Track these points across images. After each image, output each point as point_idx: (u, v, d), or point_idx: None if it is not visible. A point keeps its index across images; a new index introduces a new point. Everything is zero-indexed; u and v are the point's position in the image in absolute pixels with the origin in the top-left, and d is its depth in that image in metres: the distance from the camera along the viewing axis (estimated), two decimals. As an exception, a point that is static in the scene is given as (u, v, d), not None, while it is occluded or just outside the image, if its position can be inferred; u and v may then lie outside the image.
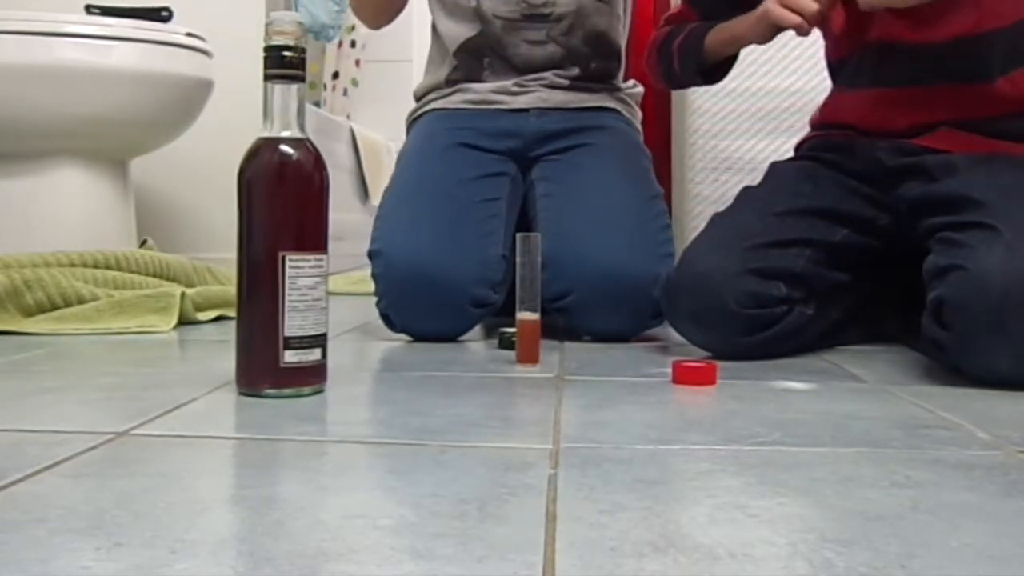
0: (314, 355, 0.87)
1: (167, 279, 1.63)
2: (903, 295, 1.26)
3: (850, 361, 1.12)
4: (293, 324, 0.85)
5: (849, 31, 1.25)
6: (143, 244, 2.00)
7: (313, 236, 0.87)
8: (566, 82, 1.42)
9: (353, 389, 0.92)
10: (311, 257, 0.86)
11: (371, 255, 1.31)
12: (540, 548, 0.47)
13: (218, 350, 1.18)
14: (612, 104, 1.46)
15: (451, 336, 1.29)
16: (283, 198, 0.86)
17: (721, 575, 0.43)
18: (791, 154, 1.37)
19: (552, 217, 1.33)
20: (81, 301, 1.42)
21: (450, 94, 1.45)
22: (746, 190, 1.29)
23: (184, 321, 1.43)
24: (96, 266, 1.54)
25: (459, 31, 1.43)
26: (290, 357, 0.85)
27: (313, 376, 0.87)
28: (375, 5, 1.49)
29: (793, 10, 1.14)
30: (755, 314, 1.11)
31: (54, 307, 1.40)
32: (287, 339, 0.85)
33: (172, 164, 2.28)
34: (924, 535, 0.49)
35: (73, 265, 1.51)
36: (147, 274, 1.60)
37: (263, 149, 0.87)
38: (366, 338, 1.32)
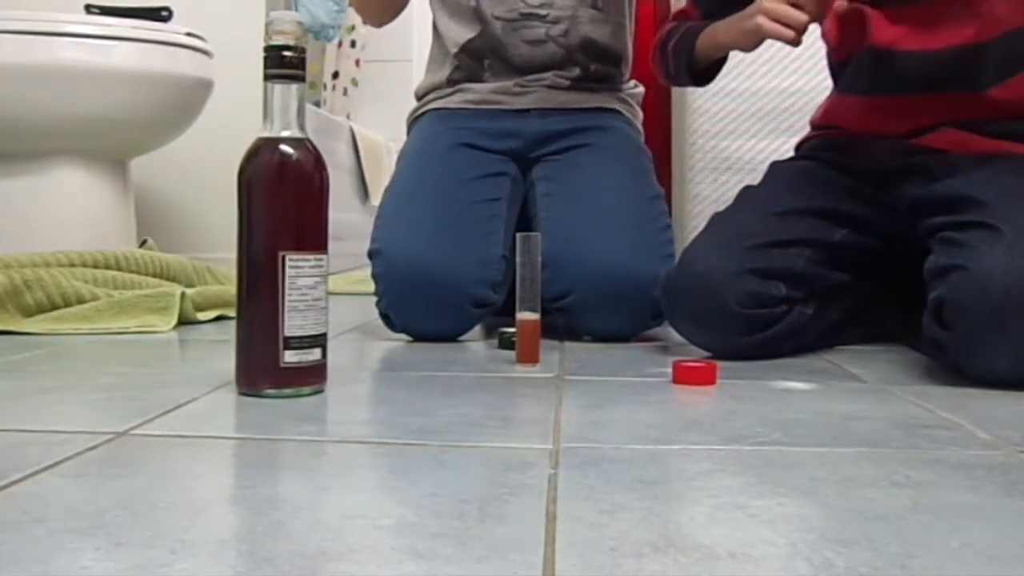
0: (314, 355, 0.87)
1: (167, 279, 1.63)
2: (903, 295, 1.26)
3: (850, 361, 1.12)
4: (293, 324, 0.85)
5: (846, 37, 1.25)
6: (143, 244, 2.00)
7: (313, 236, 0.87)
8: (567, 82, 1.42)
9: (353, 389, 0.92)
10: (311, 257, 0.86)
11: (371, 255, 1.31)
12: (540, 548, 0.47)
13: (218, 350, 1.18)
14: (613, 104, 1.46)
15: (451, 336, 1.29)
16: (283, 198, 0.86)
17: (721, 575, 0.43)
18: (791, 154, 1.37)
19: (552, 217, 1.33)
20: (81, 301, 1.42)
21: (451, 94, 1.45)
22: (746, 190, 1.29)
23: (184, 321, 1.43)
24: (96, 266, 1.54)
25: (460, 31, 1.43)
26: (290, 357, 0.85)
27: (313, 376, 0.87)
28: (378, 3, 1.49)
29: (783, 23, 1.13)
30: (755, 314, 1.11)
31: (54, 307, 1.40)
32: (287, 339, 0.85)
33: (172, 164, 2.28)
34: (924, 535, 0.49)
35: (73, 265, 1.51)
36: (147, 274, 1.60)
37: (263, 149, 0.87)
38: (366, 338, 1.32)
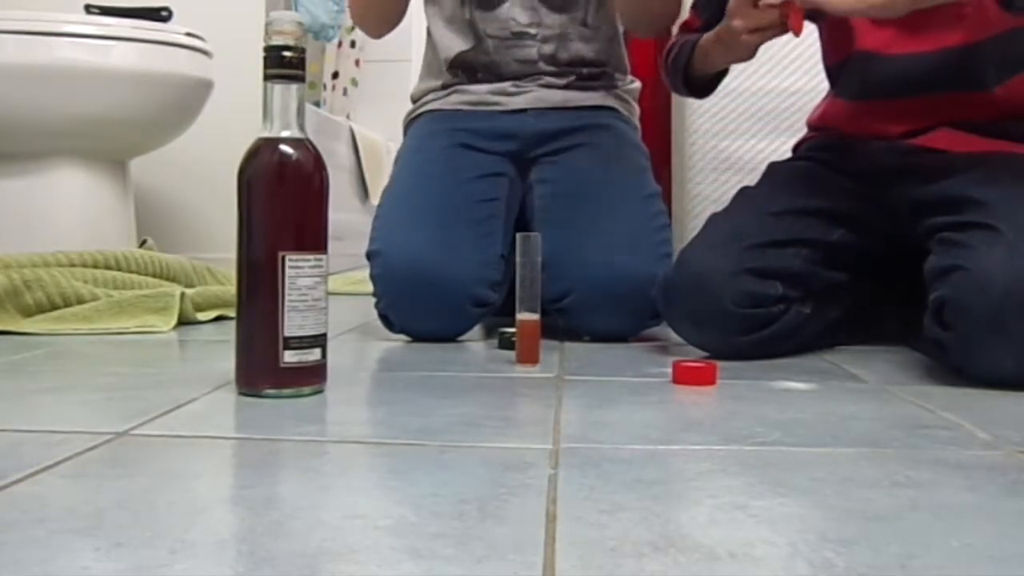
0: (314, 355, 0.87)
1: (167, 279, 1.63)
2: (903, 295, 1.26)
3: (850, 361, 1.12)
4: (293, 324, 0.85)
5: (836, 41, 1.25)
6: (143, 244, 2.00)
7: (313, 236, 0.87)
8: (562, 82, 1.42)
9: (353, 389, 0.92)
10: (311, 257, 0.86)
11: (369, 256, 1.31)
12: (540, 548, 0.47)
13: (218, 350, 1.18)
14: (610, 102, 1.46)
15: (450, 336, 1.29)
16: (283, 198, 0.86)
17: (721, 575, 0.43)
18: (790, 154, 1.37)
19: (551, 218, 1.33)
20: (81, 301, 1.42)
21: (447, 95, 1.45)
22: (743, 190, 1.29)
23: (184, 321, 1.43)
24: (96, 266, 1.54)
25: (455, 42, 1.43)
26: (290, 357, 0.85)
27: (313, 376, 0.87)
28: (377, 16, 1.48)
29: (760, 29, 1.14)
30: (752, 314, 1.11)
31: (54, 307, 1.40)
32: (287, 339, 0.85)
33: (172, 164, 2.28)
34: (924, 535, 0.49)
35: (73, 265, 1.51)
36: (147, 274, 1.60)
37: (263, 149, 0.87)
38: (366, 338, 1.32)
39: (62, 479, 0.59)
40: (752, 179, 1.35)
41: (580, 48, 1.41)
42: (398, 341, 1.29)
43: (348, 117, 3.41)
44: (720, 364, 0.99)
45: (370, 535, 0.48)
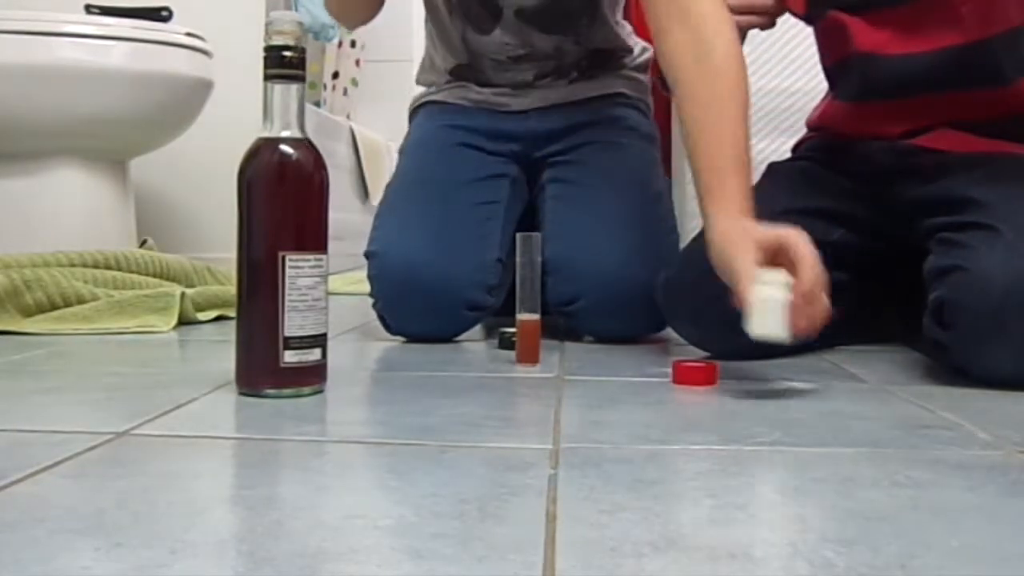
0: (314, 355, 0.87)
1: (167, 279, 1.63)
2: (903, 295, 1.26)
3: (850, 361, 1.12)
4: (293, 324, 0.85)
5: (832, 43, 1.25)
6: (143, 244, 2.00)
7: (313, 236, 0.87)
8: (564, 80, 1.42)
9: (353, 389, 0.92)
10: (311, 257, 0.86)
11: (367, 256, 1.31)
12: (540, 548, 0.47)
13: (218, 350, 1.18)
14: (617, 88, 1.43)
15: (445, 338, 1.28)
16: (283, 198, 0.86)
17: (721, 575, 0.43)
18: (790, 154, 1.37)
19: (559, 221, 1.32)
20: (81, 301, 1.42)
21: (452, 88, 1.44)
22: None
23: (184, 321, 1.43)
24: (96, 266, 1.54)
25: (449, 57, 1.42)
26: (290, 357, 0.85)
27: (313, 376, 0.87)
28: (351, 13, 1.44)
29: (750, 11, 1.14)
30: None
31: (54, 307, 1.40)
32: (287, 339, 0.85)
33: (172, 164, 2.28)
34: (924, 535, 0.49)
35: (73, 265, 1.51)
36: (147, 274, 1.60)
37: (263, 149, 0.87)
38: (366, 338, 1.32)
39: (62, 479, 0.59)
40: (752, 179, 1.35)
41: (577, 52, 1.40)
42: (398, 341, 1.29)
43: (348, 117, 3.41)
44: (720, 364, 0.99)
45: (370, 535, 0.48)
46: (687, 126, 1.03)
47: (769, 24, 1.19)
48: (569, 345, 1.26)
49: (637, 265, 1.25)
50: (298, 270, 0.85)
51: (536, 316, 1.09)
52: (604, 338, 1.29)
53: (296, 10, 2.96)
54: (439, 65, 1.45)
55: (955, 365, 0.98)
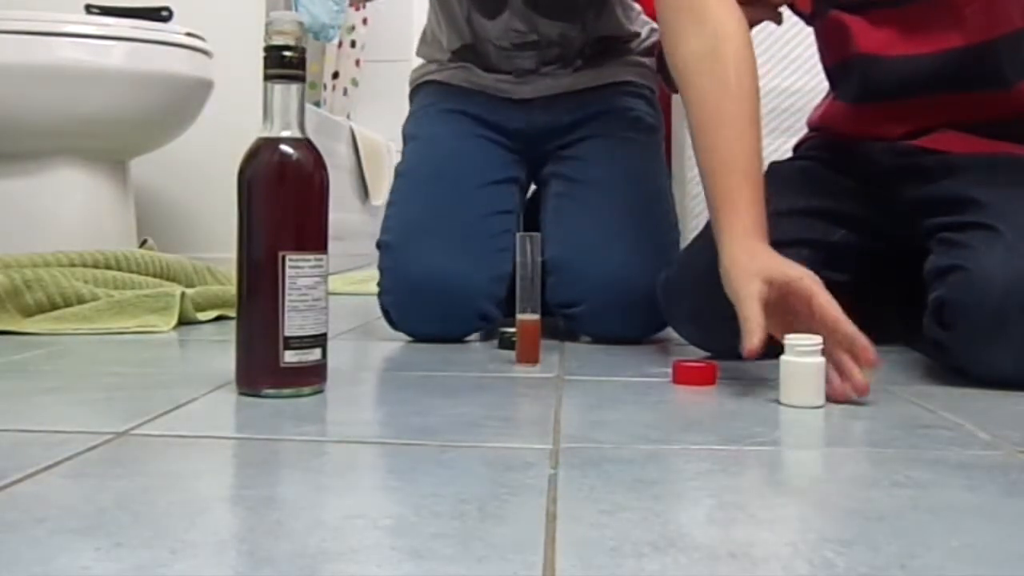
0: (314, 355, 0.87)
1: (167, 279, 1.63)
2: (903, 295, 1.26)
3: (850, 361, 1.12)
4: (293, 324, 0.85)
5: (832, 44, 1.25)
6: (143, 244, 2.00)
7: (313, 236, 0.87)
8: (569, 69, 1.41)
9: (353, 389, 0.92)
10: (311, 257, 0.86)
11: (380, 246, 1.30)
12: (540, 548, 0.47)
13: (218, 350, 1.18)
14: (622, 76, 1.42)
15: (449, 340, 1.28)
16: (283, 198, 0.86)
17: (721, 575, 0.43)
18: (791, 154, 1.37)
19: (561, 222, 1.32)
20: (81, 301, 1.42)
21: (454, 69, 1.43)
22: None
23: (184, 321, 1.43)
24: (96, 266, 1.54)
25: (453, 38, 1.42)
26: (290, 357, 0.85)
27: (313, 376, 0.87)
28: None
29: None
30: None
31: (54, 307, 1.40)
32: (287, 339, 0.85)
33: (172, 164, 2.28)
34: (924, 535, 0.49)
35: (73, 265, 1.51)
36: (147, 274, 1.60)
37: (263, 149, 0.87)
38: (366, 338, 1.32)
39: (62, 479, 0.59)
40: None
41: (583, 40, 1.40)
42: (399, 341, 1.28)
43: (348, 117, 3.41)
44: (720, 364, 0.99)
45: (370, 535, 0.48)
46: (696, 134, 1.02)
47: (776, 18, 1.17)
48: (569, 345, 1.26)
49: (638, 268, 1.25)
50: (298, 270, 0.85)
51: (536, 316, 1.09)
52: (604, 339, 1.28)
53: (296, 10, 2.96)
54: (443, 44, 1.44)
55: (955, 365, 0.98)
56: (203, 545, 0.46)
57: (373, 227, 1.35)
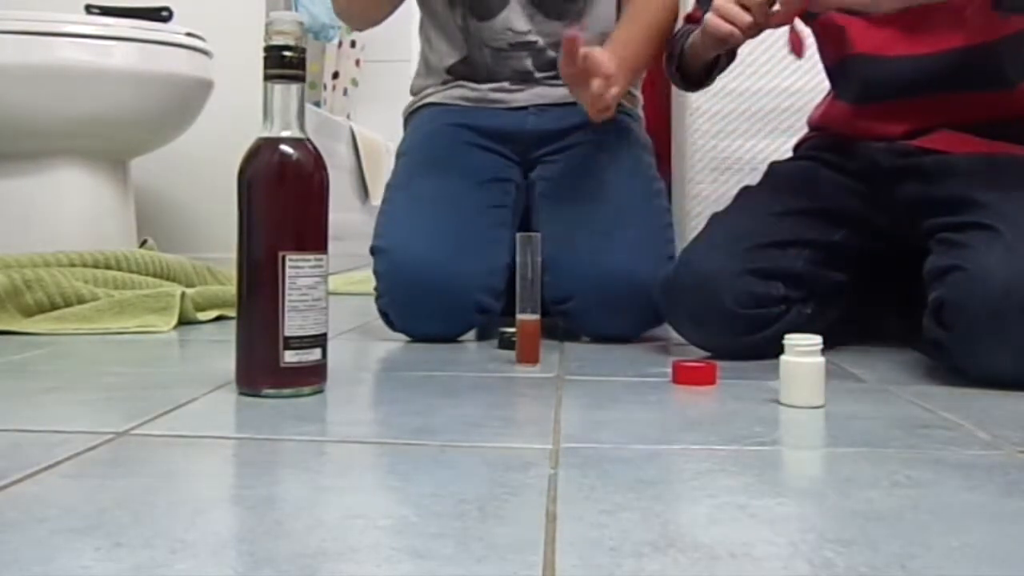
0: (314, 355, 0.87)
1: (167, 279, 1.63)
2: (903, 295, 1.26)
3: (850, 361, 1.12)
4: (293, 324, 0.85)
5: (831, 45, 1.25)
6: (143, 244, 2.00)
7: (313, 236, 0.87)
8: (561, 81, 1.41)
9: (353, 389, 0.92)
10: (311, 257, 0.86)
11: (374, 251, 1.30)
12: (540, 548, 0.47)
13: (218, 350, 1.18)
14: None
15: (449, 339, 1.28)
16: (283, 198, 0.86)
17: (721, 575, 0.43)
18: (791, 154, 1.37)
19: (553, 220, 1.33)
20: (81, 301, 1.42)
21: (447, 89, 1.44)
22: (745, 190, 1.29)
23: (184, 321, 1.43)
24: (96, 266, 1.54)
25: (447, 51, 1.42)
26: (290, 357, 0.85)
27: (313, 376, 0.87)
28: (361, 15, 1.45)
29: (728, 20, 1.13)
30: (755, 314, 1.12)
31: (54, 307, 1.40)
32: (287, 339, 0.85)
33: (172, 164, 2.28)
34: (924, 535, 0.49)
35: (73, 265, 1.51)
36: (147, 274, 1.60)
37: (263, 149, 0.87)
38: (366, 338, 1.32)
39: (62, 479, 0.59)
40: (752, 179, 1.35)
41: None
42: (398, 341, 1.29)
43: (348, 117, 3.41)
44: (720, 364, 0.99)
45: (370, 535, 0.48)
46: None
47: (740, 40, 1.16)
48: (569, 345, 1.26)
49: (631, 262, 1.25)
50: (298, 270, 0.85)
51: (536, 316, 1.09)
52: (600, 337, 1.29)
53: (296, 10, 2.96)
54: (435, 66, 1.45)
55: (955, 365, 0.98)
56: (203, 545, 0.46)
57: (373, 227, 1.35)
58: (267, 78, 0.87)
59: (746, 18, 1.09)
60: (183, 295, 1.44)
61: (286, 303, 0.85)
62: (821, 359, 0.85)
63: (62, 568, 0.43)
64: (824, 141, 1.29)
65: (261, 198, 0.86)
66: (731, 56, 1.31)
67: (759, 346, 1.12)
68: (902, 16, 1.12)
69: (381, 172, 3.35)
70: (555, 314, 1.29)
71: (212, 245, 2.27)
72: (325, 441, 0.70)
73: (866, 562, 0.45)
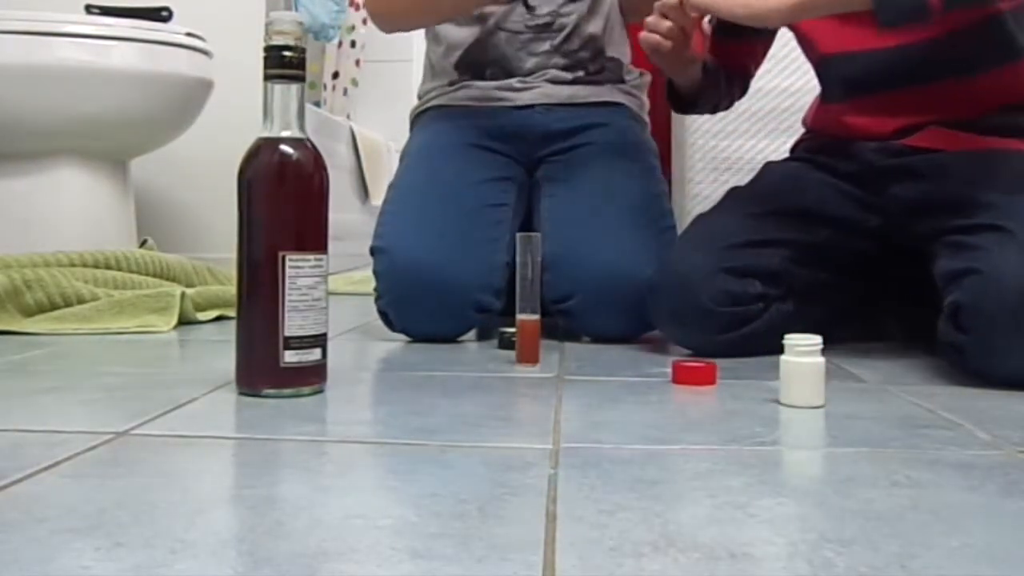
0: (314, 355, 0.87)
1: (167, 279, 1.63)
2: (903, 295, 1.26)
3: (850, 361, 1.12)
4: (293, 324, 0.85)
5: (804, 48, 1.26)
6: (143, 244, 2.00)
7: (313, 236, 0.87)
8: (570, 76, 1.42)
9: (353, 389, 0.92)
10: (311, 257, 0.86)
11: (374, 251, 1.30)
12: (540, 548, 0.47)
13: (218, 350, 1.18)
14: (618, 98, 1.44)
15: (449, 338, 1.28)
16: (283, 198, 0.86)
17: (721, 575, 0.43)
18: (788, 155, 1.37)
19: (555, 219, 1.33)
20: (81, 301, 1.42)
21: (454, 91, 1.44)
22: (731, 191, 1.30)
23: (184, 321, 1.43)
24: (96, 266, 1.54)
25: (460, 36, 1.42)
26: (290, 357, 0.85)
27: (313, 376, 0.87)
28: (410, 20, 1.42)
29: (653, 31, 1.15)
30: (731, 312, 1.13)
31: (54, 307, 1.40)
32: (287, 339, 0.85)
33: (172, 164, 2.28)
34: (924, 535, 0.49)
35: (73, 265, 1.51)
36: (147, 274, 1.60)
37: (263, 149, 0.87)
38: (366, 338, 1.32)
39: (62, 479, 0.59)
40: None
41: (591, 30, 1.40)
42: (398, 341, 1.29)
43: (348, 117, 3.41)
44: (720, 364, 0.99)
45: (370, 535, 0.48)
46: None
47: (668, 46, 1.18)
48: (569, 345, 1.26)
49: (632, 263, 1.25)
50: (298, 270, 0.85)
51: (536, 316, 1.09)
52: (600, 337, 1.29)
53: (296, 10, 2.96)
54: (441, 66, 1.45)
55: (974, 369, 0.97)
56: (203, 545, 0.46)
57: (373, 227, 1.35)
58: (267, 78, 0.87)
59: (664, 24, 1.14)
60: (183, 295, 1.44)
61: (286, 303, 0.85)
62: (821, 359, 0.85)
63: (62, 568, 0.43)
64: (817, 143, 1.29)
65: (261, 198, 0.86)
66: (716, 85, 1.32)
67: (738, 343, 1.13)
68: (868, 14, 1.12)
69: (381, 172, 3.35)
70: (555, 314, 1.29)
71: (212, 245, 2.27)
72: (325, 441, 0.70)
73: (866, 562, 0.45)
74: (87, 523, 0.50)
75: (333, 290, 1.79)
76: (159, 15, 2.03)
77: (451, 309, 1.26)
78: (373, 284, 1.31)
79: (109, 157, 1.89)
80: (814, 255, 1.19)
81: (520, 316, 1.09)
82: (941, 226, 1.07)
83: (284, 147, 0.86)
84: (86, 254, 1.55)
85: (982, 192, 1.04)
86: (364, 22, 3.52)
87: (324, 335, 0.88)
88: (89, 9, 2.07)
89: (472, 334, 1.33)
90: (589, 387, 0.94)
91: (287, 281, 0.85)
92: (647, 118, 1.50)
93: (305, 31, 0.89)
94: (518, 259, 1.09)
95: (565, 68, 1.41)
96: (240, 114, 2.11)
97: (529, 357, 1.08)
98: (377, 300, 1.30)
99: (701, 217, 1.26)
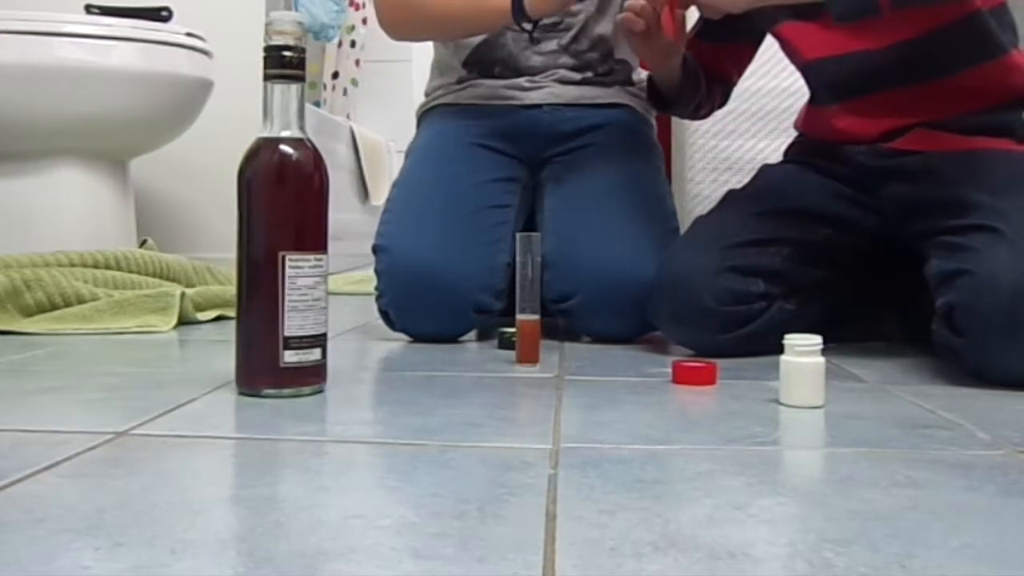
0: (314, 355, 0.87)
1: (167, 279, 1.63)
2: (900, 294, 1.26)
3: (850, 361, 1.12)
4: (293, 324, 0.85)
5: (787, 54, 1.26)
6: (143, 244, 2.00)
7: (313, 236, 0.87)
8: (578, 77, 1.41)
9: (353, 389, 0.92)
10: (311, 257, 0.86)
11: (376, 250, 1.30)
12: (540, 548, 0.47)
13: (218, 350, 1.18)
14: (625, 100, 1.44)
15: (449, 338, 1.28)
16: (283, 198, 0.86)
17: (721, 575, 0.43)
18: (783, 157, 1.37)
19: (557, 219, 1.33)
20: (81, 301, 1.42)
21: (461, 89, 1.44)
22: (729, 193, 1.30)
23: (184, 321, 1.43)
24: (96, 266, 1.54)
25: (462, 45, 1.42)
26: (290, 357, 0.85)
27: (313, 376, 0.87)
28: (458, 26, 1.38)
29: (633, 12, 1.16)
30: (733, 311, 1.13)
31: (54, 307, 1.40)
32: (287, 339, 0.85)
33: (172, 164, 2.28)
34: (924, 535, 0.49)
35: (73, 265, 1.51)
36: (147, 274, 1.60)
37: (263, 149, 0.87)
38: (366, 338, 1.32)
39: (62, 479, 0.59)
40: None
41: (599, 31, 1.40)
42: (398, 341, 1.29)
43: (348, 117, 3.41)
44: (720, 364, 0.99)
45: (370, 535, 0.48)
46: None
47: (643, 26, 1.19)
48: (569, 345, 1.26)
49: (634, 264, 1.25)
50: (298, 270, 0.85)
51: (536, 316, 1.09)
52: (601, 338, 1.29)
53: (296, 10, 2.96)
54: (449, 64, 1.45)
55: (970, 369, 0.97)
56: (203, 545, 0.46)
57: (373, 227, 1.35)
58: (267, 78, 0.87)
59: (637, 2, 1.15)
60: (183, 295, 1.44)
61: (286, 303, 0.85)
62: (821, 359, 0.85)
63: (62, 568, 0.43)
64: (809, 146, 1.29)
65: (261, 198, 0.86)
66: (697, 86, 1.32)
67: (740, 343, 1.13)
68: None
69: (381, 172, 3.35)
70: (555, 313, 1.29)
71: (212, 245, 2.27)
72: (325, 441, 0.70)
73: (866, 562, 0.45)
74: (87, 523, 0.50)
75: (333, 290, 1.79)
76: (159, 15, 2.03)
77: (451, 309, 1.26)
78: (374, 284, 1.31)
79: (109, 157, 1.89)
80: (815, 254, 1.19)
81: (520, 316, 1.09)
82: (933, 226, 1.07)
83: (284, 147, 0.86)
84: (86, 254, 1.55)
85: (970, 193, 1.04)
86: (364, 22, 3.52)
87: (324, 335, 0.88)
88: (89, 9, 2.07)
89: (472, 334, 1.33)
90: (589, 387, 0.94)
91: (287, 281, 0.85)
92: (653, 121, 1.50)
93: (305, 31, 0.89)
94: (518, 259, 1.09)
95: (574, 68, 1.41)
96: (240, 114, 2.12)
97: (529, 357, 1.08)
98: (378, 299, 1.30)
99: (700, 218, 1.27)
